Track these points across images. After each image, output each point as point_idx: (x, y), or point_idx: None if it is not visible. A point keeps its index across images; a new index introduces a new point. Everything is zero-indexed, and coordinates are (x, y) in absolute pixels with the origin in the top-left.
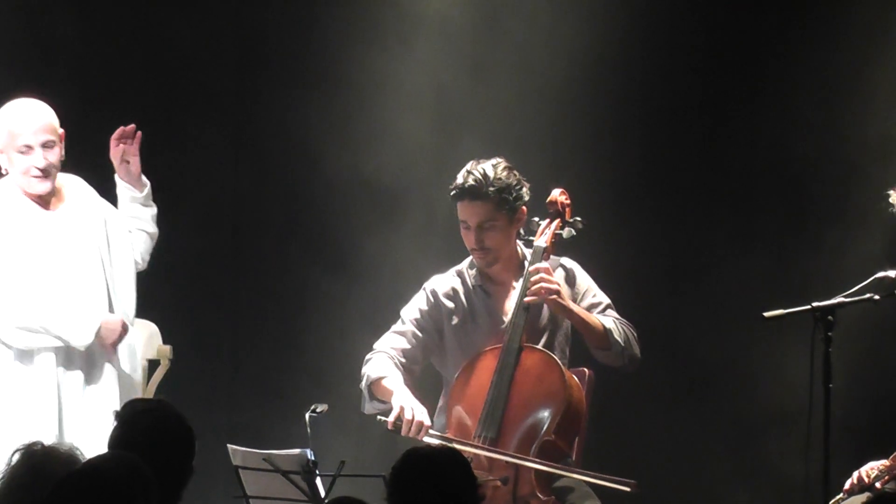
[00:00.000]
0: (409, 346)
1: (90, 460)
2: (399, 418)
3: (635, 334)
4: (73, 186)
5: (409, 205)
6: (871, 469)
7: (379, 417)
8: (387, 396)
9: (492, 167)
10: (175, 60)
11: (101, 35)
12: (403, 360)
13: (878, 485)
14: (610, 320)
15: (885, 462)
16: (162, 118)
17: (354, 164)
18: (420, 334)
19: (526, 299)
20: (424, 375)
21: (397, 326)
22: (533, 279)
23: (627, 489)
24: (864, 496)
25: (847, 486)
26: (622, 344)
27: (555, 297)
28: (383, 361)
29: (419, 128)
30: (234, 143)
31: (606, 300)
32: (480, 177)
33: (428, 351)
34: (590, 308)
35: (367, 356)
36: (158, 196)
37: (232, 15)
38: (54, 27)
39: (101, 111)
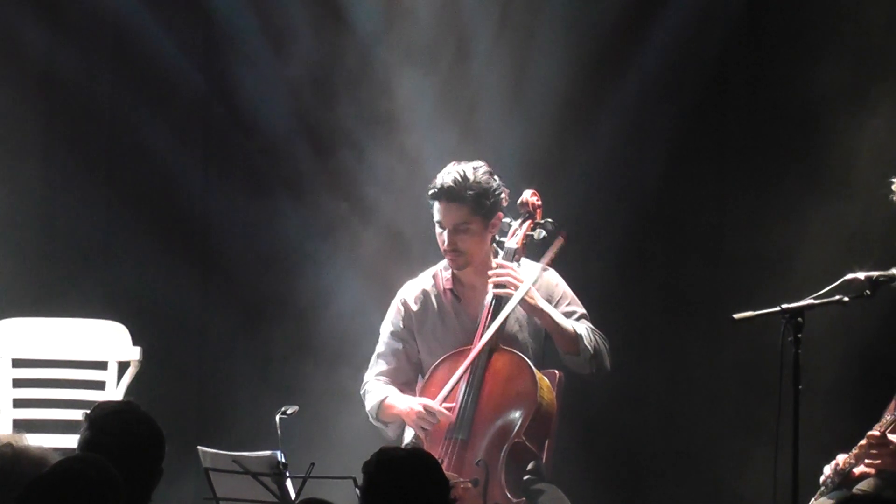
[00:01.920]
0: (395, 365)
1: (60, 462)
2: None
3: (608, 346)
4: None
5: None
6: (845, 461)
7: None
8: (392, 415)
9: (472, 170)
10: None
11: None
12: (396, 379)
13: (855, 471)
14: (583, 327)
15: (854, 450)
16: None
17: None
18: (400, 346)
19: (494, 291)
20: None
21: (378, 347)
22: (496, 272)
23: None
24: (834, 498)
25: (822, 479)
26: (591, 351)
27: (526, 297)
28: (378, 387)
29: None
30: (203, 149)
31: (582, 310)
32: (460, 178)
33: (414, 358)
34: (564, 315)
35: (362, 390)
36: (129, 199)
37: None
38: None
39: None
